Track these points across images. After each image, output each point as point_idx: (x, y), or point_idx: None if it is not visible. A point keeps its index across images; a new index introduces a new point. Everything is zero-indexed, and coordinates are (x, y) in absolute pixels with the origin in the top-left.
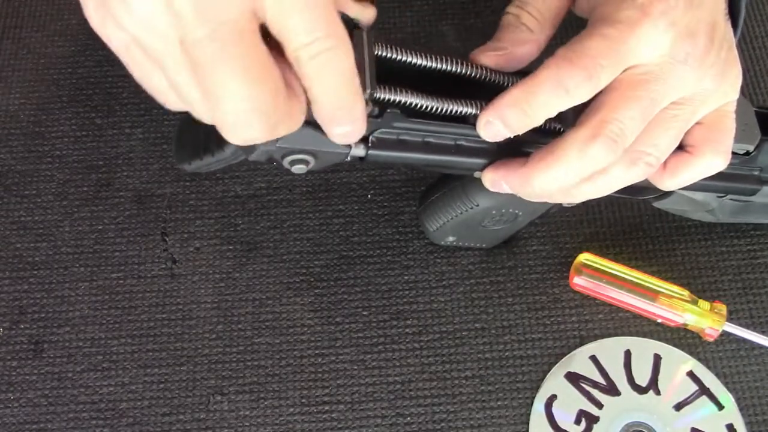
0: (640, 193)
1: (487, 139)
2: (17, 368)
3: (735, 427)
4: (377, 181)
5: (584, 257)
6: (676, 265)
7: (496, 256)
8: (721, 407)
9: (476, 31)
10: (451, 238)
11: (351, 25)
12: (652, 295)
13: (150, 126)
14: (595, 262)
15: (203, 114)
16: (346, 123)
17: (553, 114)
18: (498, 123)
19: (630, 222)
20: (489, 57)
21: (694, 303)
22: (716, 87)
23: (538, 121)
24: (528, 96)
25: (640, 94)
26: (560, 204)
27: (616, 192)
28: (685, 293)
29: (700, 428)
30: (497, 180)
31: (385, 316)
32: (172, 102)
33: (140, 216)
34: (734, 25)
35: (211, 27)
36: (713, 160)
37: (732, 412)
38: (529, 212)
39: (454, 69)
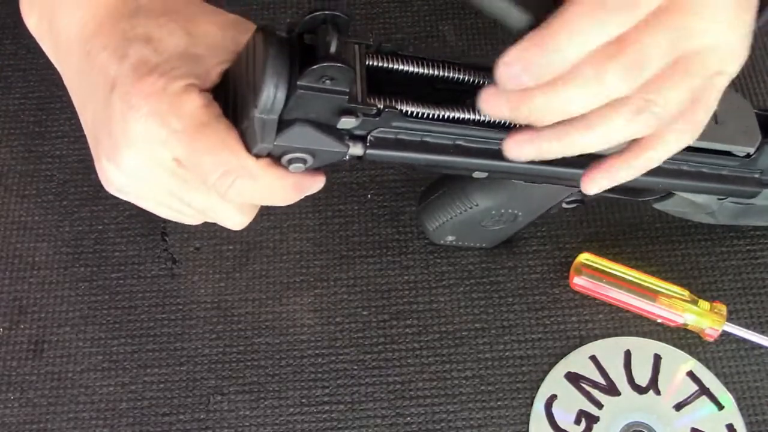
0: (640, 194)
1: (503, 88)
2: (17, 368)
3: (735, 427)
4: (377, 181)
5: (584, 257)
6: (676, 265)
7: (496, 256)
8: (721, 407)
9: (476, 31)
10: (450, 238)
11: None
12: (652, 295)
13: None
14: (595, 262)
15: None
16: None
17: (588, 48)
18: (516, 66)
19: (630, 222)
20: None
21: (694, 303)
22: (741, 53)
23: (567, 59)
24: (560, 28)
25: (668, 21)
26: (560, 204)
27: (617, 193)
28: (685, 293)
29: (700, 428)
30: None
31: (385, 316)
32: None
33: (140, 216)
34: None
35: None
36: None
37: (732, 412)
38: (528, 212)
39: (446, 75)
